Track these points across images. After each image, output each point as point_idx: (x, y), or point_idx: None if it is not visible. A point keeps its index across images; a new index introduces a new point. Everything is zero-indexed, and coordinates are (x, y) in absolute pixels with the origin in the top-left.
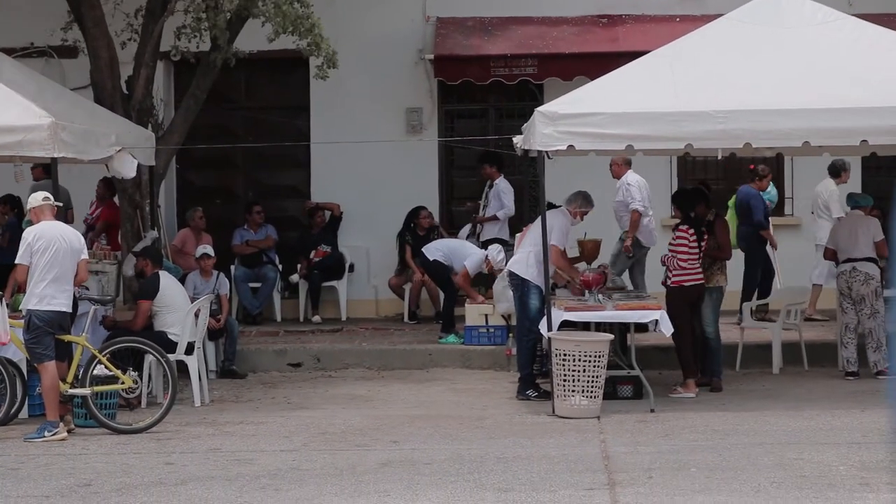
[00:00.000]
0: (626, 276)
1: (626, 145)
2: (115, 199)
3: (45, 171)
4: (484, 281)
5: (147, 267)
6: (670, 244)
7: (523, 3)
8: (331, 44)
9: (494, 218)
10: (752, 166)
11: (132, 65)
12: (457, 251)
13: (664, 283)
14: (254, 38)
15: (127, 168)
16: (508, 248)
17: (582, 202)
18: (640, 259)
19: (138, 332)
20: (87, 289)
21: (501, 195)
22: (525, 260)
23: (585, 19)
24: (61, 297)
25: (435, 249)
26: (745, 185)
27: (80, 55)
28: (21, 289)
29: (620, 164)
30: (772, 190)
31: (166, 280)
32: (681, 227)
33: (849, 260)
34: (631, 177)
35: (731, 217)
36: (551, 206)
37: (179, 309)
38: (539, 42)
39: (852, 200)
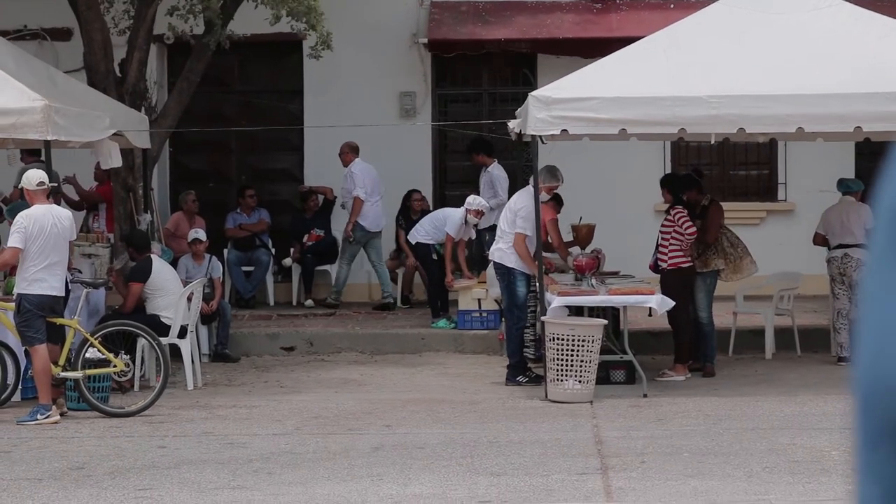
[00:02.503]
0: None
1: (619, 129)
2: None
3: (32, 156)
4: (480, 265)
5: (133, 252)
6: (666, 225)
7: None
8: (325, 26)
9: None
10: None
11: (125, 48)
12: (440, 221)
13: (654, 267)
14: (248, 21)
15: (113, 158)
16: None
17: (545, 176)
18: (372, 244)
19: (129, 314)
20: (79, 272)
21: (495, 183)
22: (506, 248)
23: (580, 5)
24: (52, 281)
25: (418, 231)
26: None
27: (73, 38)
28: (12, 272)
29: (347, 153)
30: None
31: (158, 263)
32: (676, 207)
33: (840, 246)
34: (357, 165)
35: None
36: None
37: (172, 292)
38: (533, 27)
39: (843, 185)
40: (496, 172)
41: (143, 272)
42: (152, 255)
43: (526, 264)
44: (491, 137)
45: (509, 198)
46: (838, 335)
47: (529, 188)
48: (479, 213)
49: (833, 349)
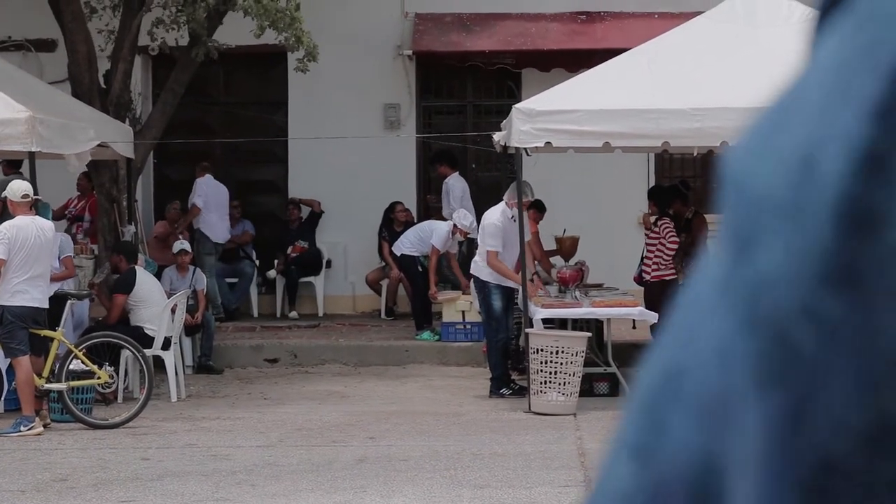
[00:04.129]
0: None
1: (603, 142)
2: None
3: (12, 167)
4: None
5: (121, 263)
6: (652, 237)
7: (502, 0)
8: (311, 38)
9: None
10: None
11: (110, 59)
12: (426, 234)
13: (639, 280)
14: (232, 32)
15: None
16: None
17: (514, 193)
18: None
19: (113, 326)
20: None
21: (449, 193)
22: (481, 261)
23: (564, 16)
24: (34, 292)
25: (403, 243)
26: None
27: (57, 49)
28: None
29: None
30: None
31: (142, 275)
32: (663, 218)
33: None
34: (207, 180)
35: None
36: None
37: (156, 304)
38: (518, 38)
39: None
40: (451, 182)
41: (128, 283)
42: (137, 267)
43: (509, 278)
44: (471, 149)
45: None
46: None
47: (501, 204)
48: (465, 235)
49: None
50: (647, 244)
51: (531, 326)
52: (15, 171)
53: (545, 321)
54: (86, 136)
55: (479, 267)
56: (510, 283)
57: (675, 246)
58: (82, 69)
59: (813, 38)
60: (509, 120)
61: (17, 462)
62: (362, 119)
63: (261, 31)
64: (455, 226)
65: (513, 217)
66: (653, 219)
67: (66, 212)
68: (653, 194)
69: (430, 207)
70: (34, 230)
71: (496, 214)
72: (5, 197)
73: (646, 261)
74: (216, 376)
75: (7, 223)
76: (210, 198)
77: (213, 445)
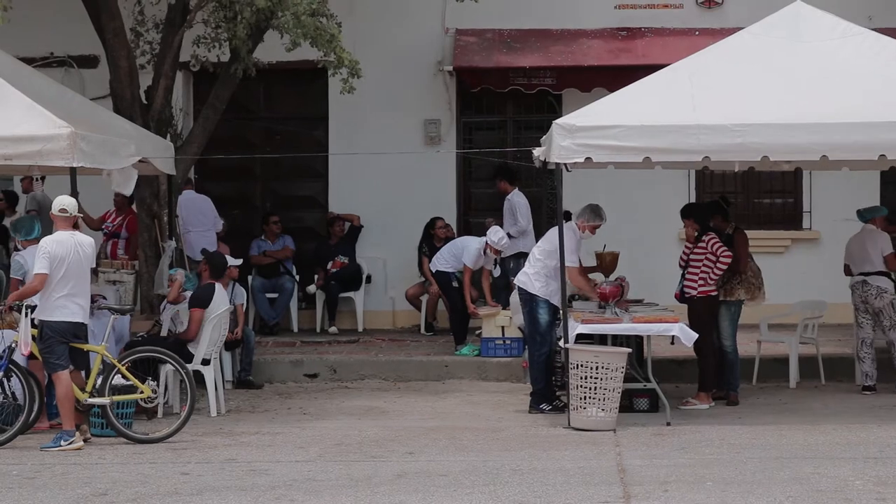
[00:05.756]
0: None
1: (643, 158)
2: (133, 207)
3: (30, 183)
4: (500, 296)
5: (205, 273)
6: (698, 252)
7: (542, 16)
8: (351, 54)
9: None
10: None
11: (151, 75)
12: (458, 250)
13: (683, 296)
14: (273, 49)
15: (127, 184)
16: None
17: (589, 216)
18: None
19: (152, 340)
20: (104, 298)
21: (515, 210)
22: (532, 274)
23: (605, 32)
24: (73, 307)
25: (438, 259)
26: None
27: (99, 65)
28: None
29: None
30: None
31: (219, 293)
32: (708, 234)
33: (860, 274)
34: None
35: None
36: (569, 215)
37: (211, 322)
38: (558, 55)
39: (861, 216)
40: (516, 199)
41: (205, 299)
42: (216, 284)
43: (588, 294)
44: (516, 165)
45: (537, 226)
46: (862, 364)
47: (572, 223)
48: (498, 252)
49: (857, 378)
50: (691, 260)
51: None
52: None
53: (583, 336)
54: (127, 152)
55: (528, 279)
56: (557, 299)
57: (729, 261)
58: (124, 85)
59: None
60: (549, 135)
61: (57, 476)
62: (402, 134)
63: (293, 46)
64: (488, 244)
65: (579, 239)
66: (696, 234)
67: (104, 226)
68: (689, 212)
69: (471, 223)
70: (73, 245)
71: (569, 233)
72: (1, 199)
73: (690, 276)
74: (256, 391)
75: (48, 238)
76: (190, 214)
77: (253, 460)
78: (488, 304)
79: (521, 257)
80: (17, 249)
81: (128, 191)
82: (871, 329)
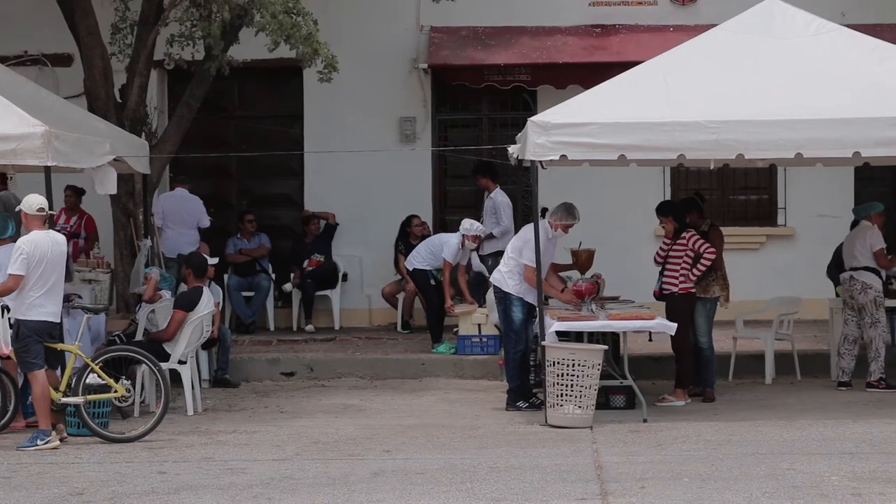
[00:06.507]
0: None
1: (618, 155)
2: (83, 207)
3: (1, 182)
4: (477, 293)
5: (189, 276)
6: (678, 249)
7: (517, 13)
8: (328, 47)
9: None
10: None
11: (125, 73)
12: (436, 247)
13: (663, 293)
14: (248, 47)
15: (109, 184)
16: None
17: (562, 214)
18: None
19: (129, 340)
20: (80, 297)
21: (498, 209)
22: (506, 272)
23: (579, 29)
24: (49, 307)
25: (414, 257)
26: None
27: (73, 64)
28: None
29: None
30: None
31: (206, 297)
32: (689, 230)
33: (850, 269)
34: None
35: None
36: (546, 212)
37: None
38: (533, 52)
39: (855, 214)
40: (499, 199)
41: (190, 302)
42: (204, 287)
43: (548, 292)
44: (491, 163)
45: (515, 224)
46: (841, 360)
47: (544, 222)
48: (476, 238)
49: (833, 374)
50: (671, 257)
51: (545, 339)
52: (3, 188)
53: (560, 334)
54: (102, 151)
55: (502, 277)
56: (532, 297)
57: (713, 256)
58: (98, 84)
59: None
60: (524, 133)
61: (33, 476)
62: (378, 132)
63: (274, 46)
64: (464, 236)
65: (551, 238)
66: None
67: (60, 227)
68: (665, 210)
69: (447, 221)
70: (50, 244)
71: (541, 231)
72: None
73: (670, 273)
74: (232, 390)
75: (24, 238)
76: (173, 212)
77: (230, 459)
78: (466, 300)
79: (500, 255)
80: None
81: (111, 190)
82: (855, 326)
